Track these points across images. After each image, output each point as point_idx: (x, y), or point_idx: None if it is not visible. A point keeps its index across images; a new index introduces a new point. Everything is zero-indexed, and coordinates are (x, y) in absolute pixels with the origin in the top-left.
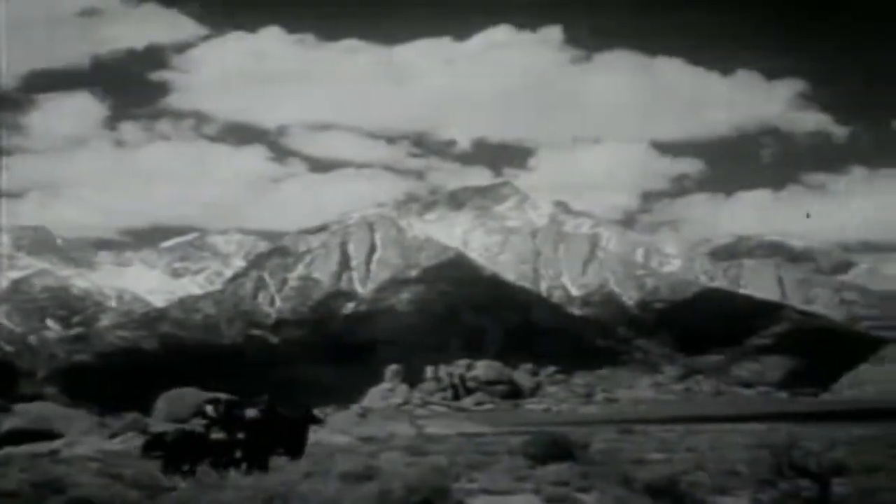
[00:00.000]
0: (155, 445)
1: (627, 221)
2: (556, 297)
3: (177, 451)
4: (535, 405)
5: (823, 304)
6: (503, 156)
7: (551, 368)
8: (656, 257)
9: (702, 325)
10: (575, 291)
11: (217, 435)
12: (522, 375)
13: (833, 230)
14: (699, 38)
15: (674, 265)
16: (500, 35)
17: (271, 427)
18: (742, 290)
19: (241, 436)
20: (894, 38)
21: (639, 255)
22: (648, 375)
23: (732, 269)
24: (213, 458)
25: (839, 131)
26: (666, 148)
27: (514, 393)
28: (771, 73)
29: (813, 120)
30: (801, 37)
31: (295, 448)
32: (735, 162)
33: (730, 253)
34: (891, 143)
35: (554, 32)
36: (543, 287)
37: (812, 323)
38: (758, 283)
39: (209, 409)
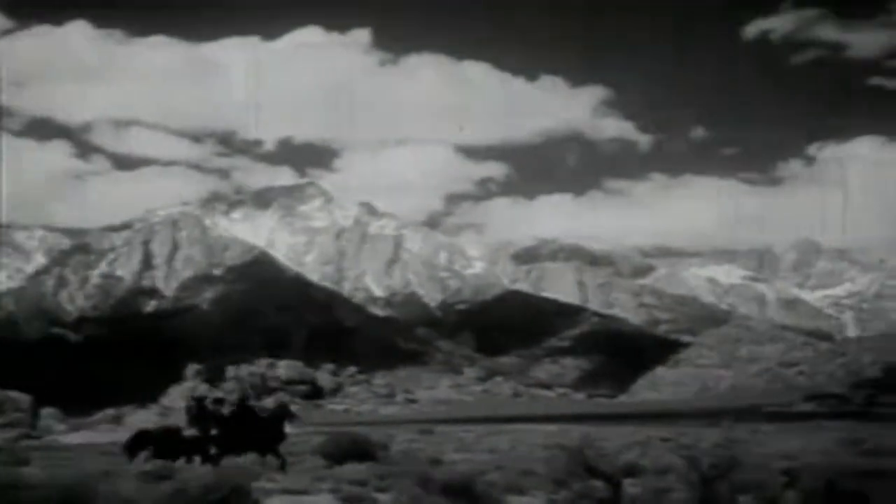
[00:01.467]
0: (140, 441)
1: (432, 224)
2: (360, 297)
3: (161, 447)
4: (337, 405)
5: (623, 307)
6: (309, 156)
7: (352, 369)
8: (460, 259)
9: (503, 326)
10: (378, 292)
11: (191, 431)
12: (324, 376)
13: (633, 235)
14: (506, 42)
15: (477, 267)
16: (308, 36)
17: (245, 423)
18: (543, 293)
19: (214, 432)
20: (694, 49)
21: (442, 257)
22: (449, 376)
23: (534, 272)
24: (188, 453)
25: (641, 139)
26: (471, 151)
27: (316, 393)
28: (575, 80)
29: (615, 127)
30: (604, 45)
31: (268, 443)
32: (539, 166)
33: (532, 256)
34: (690, 151)
35: (362, 35)
36: (347, 287)
37: (611, 326)
38: (559, 285)
39: (190, 404)
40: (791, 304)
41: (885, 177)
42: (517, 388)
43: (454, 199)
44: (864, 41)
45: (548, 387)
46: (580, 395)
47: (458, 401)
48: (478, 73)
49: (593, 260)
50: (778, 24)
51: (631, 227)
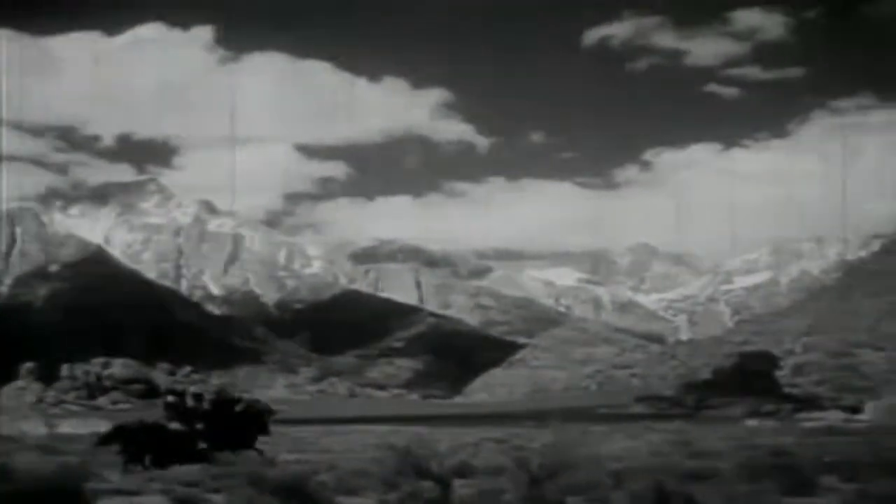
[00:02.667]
0: (113, 437)
1: (271, 222)
2: (197, 296)
3: (137, 443)
4: None
5: (460, 308)
6: (149, 153)
7: (188, 368)
8: (298, 259)
9: (340, 326)
10: (216, 291)
11: (175, 426)
12: (159, 375)
13: (471, 237)
14: (348, 43)
15: (315, 267)
16: (150, 32)
17: (227, 419)
18: (381, 293)
19: (199, 426)
20: (535, 54)
21: (281, 257)
22: (285, 376)
23: (372, 273)
24: (174, 448)
25: (480, 141)
26: (311, 151)
27: (151, 392)
28: (417, 82)
29: (456, 129)
30: (446, 47)
31: (252, 438)
32: (379, 167)
33: (371, 256)
34: (529, 155)
35: (205, 32)
36: (185, 286)
37: (447, 326)
38: (397, 286)
39: (170, 399)
40: (626, 307)
41: (720, 183)
42: (352, 389)
43: (294, 199)
44: (702, 49)
45: (382, 387)
46: (414, 396)
47: (294, 400)
48: (320, 73)
49: (431, 261)
50: (617, 31)
51: (469, 229)
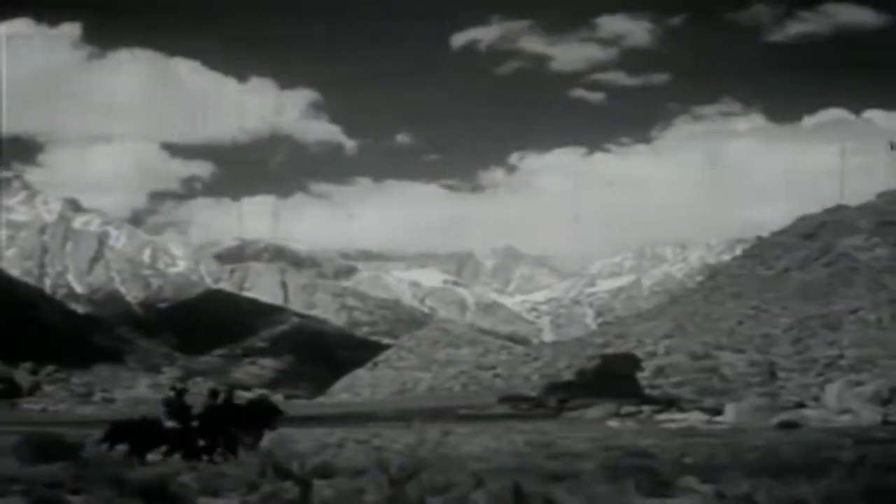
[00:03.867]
0: (117, 434)
1: (136, 221)
2: (61, 294)
3: (139, 440)
4: (33, 405)
5: (325, 308)
6: (14, 150)
7: (51, 367)
8: (163, 258)
9: (204, 326)
10: (80, 289)
11: (171, 423)
12: (21, 374)
13: (337, 238)
14: (217, 42)
15: (180, 266)
16: (17, 27)
17: (227, 417)
18: (246, 293)
19: (194, 424)
20: (403, 56)
21: (146, 256)
22: (149, 375)
23: (238, 272)
24: (171, 446)
25: (347, 143)
26: (177, 150)
27: (12, 392)
28: (284, 82)
29: (323, 130)
30: (314, 47)
31: (253, 438)
32: (245, 167)
33: (236, 256)
34: (396, 157)
35: (73, 28)
36: (48, 284)
37: (312, 327)
38: (262, 286)
39: (170, 397)
40: (490, 308)
41: (584, 187)
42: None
43: (159, 197)
44: (568, 54)
45: (247, 388)
46: (278, 396)
47: (157, 400)
48: (187, 71)
49: (297, 261)
50: (485, 35)
51: (335, 230)
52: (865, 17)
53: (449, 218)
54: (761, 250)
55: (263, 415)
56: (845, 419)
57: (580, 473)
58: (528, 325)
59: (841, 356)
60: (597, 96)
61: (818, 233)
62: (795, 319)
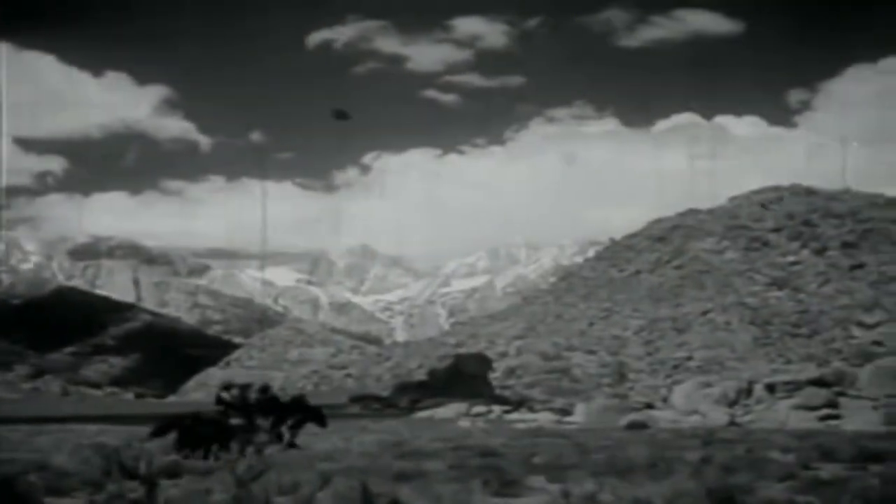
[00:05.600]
0: (168, 430)
1: None
2: None
3: (195, 436)
4: None
5: (177, 306)
6: None
7: None
8: (15, 254)
9: (55, 323)
10: None
11: (235, 419)
12: None
13: (191, 235)
14: (72, 36)
15: (32, 262)
16: None
17: (278, 410)
18: (98, 290)
19: (259, 420)
20: (259, 54)
21: None
22: None
23: (90, 269)
24: (236, 440)
25: (201, 140)
26: (30, 144)
27: None
28: (140, 78)
29: (177, 127)
30: (170, 44)
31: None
32: (98, 163)
33: (89, 253)
34: (250, 155)
35: None
36: None
37: (164, 325)
38: (114, 283)
39: (224, 394)
40: (344, 307)
41: (439, 188)
42: (66, 387)
43: (11, 192)
44: (424, 55)
45: (97, 385)
46: (129, 395)
47: (6, 399)
48: (41, 65)
49: (150, 258)
50: (341, 34)
51: (188, 228)
52: (717, 23)
53: (303, 216)
54: (613, 252)
55: (310, 411)
56: (693, 420)
57: (428, 473)
58: (381, 325)
59: (690, 358)
60: (451, 97)
61: (670, 236)
62: (646, 321)
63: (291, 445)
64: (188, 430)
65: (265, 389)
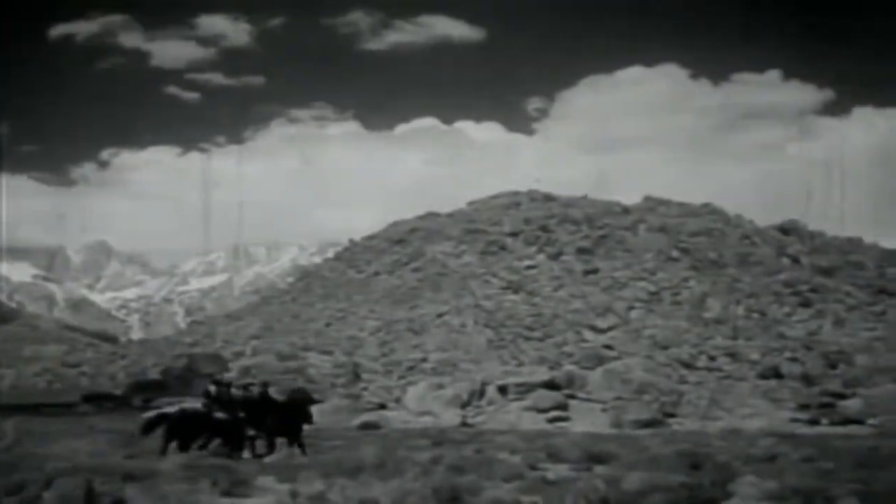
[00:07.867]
0: (156, 425)
1: None
2: None
3: (181, 430)
4: None
5: None
6: None
7: None
8: None
9: None
10: None
11: (219, 414)
12: None
13: None
14: None
15: None
16: None
17: (268, 409)
18: None
19: (241, 415)
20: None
21: None
22: None
23: None
24: (221, 436)
25: None
26: None
27: None
28: None
29: None
30: None
31: (298, 428)
32: None
33: None
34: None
35: None
36: None
37: None
38: None
39: (212, 388)
40: (79, 304)
41: (178, 185)
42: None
43: None
44: (166, 52)
45: None
46: None
47: None
48: None
49: None
50: (83, 28)
51: None
52: (460, 30)
53: (39, 211)
54: (352, 254)
55: (302, 409)
56: (425, 421)
57: (157, 473)
58: (117, 323)
59: (424, 359)
60: (192, 95)
61: (409, 238)
62: (382, 322)
63: (300, 447)
64: (177, 426)
65: (265, 386)
